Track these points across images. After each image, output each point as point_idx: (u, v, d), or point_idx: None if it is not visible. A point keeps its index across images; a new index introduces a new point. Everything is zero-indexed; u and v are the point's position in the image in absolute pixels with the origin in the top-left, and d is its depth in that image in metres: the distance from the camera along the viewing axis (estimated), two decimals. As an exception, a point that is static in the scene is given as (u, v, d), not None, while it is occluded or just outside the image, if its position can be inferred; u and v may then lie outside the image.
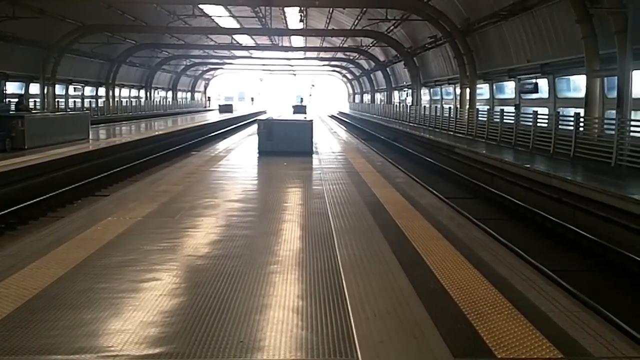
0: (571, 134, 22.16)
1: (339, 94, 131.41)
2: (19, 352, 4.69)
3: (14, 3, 34.04)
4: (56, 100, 45.78)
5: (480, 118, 32.96)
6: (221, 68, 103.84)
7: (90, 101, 54.94)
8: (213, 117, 63.00)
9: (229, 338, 5.01)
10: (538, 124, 25.20)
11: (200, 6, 48.23)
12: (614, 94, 20.94)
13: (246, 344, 4.90)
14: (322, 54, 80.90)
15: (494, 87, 36.21)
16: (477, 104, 36.69)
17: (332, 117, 76.73)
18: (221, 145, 25.44)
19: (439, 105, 45.56)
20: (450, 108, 40.10)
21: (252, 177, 16.13)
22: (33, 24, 36.73)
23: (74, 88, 52.14)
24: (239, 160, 19.56)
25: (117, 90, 60.78)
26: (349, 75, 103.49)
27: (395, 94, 66.36)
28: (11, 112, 25.33)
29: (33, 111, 32.37)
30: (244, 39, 72.93)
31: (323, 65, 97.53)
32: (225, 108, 78.66)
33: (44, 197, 16.53)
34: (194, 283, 6.47)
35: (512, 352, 4.81)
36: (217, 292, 6.16)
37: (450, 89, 45.26)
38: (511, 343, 4.96)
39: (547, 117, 25.56)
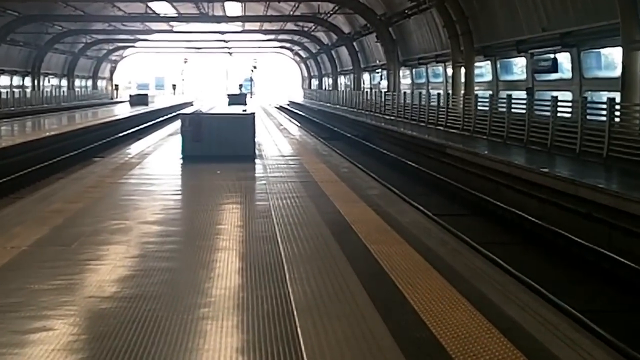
0: (604, 127, 21.76)
1: (289, 79, 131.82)
2: None
3: None
4: None
5: (479, 107, 33.16)
6: (132, 46, 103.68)
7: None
8: (122, 111, 62.80)
9: (145, 408, 4.97)
10: (558, 114, 25.29)
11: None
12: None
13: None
14: (267, 26, 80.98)
15: (498, 65, 36.46)
16: (476, 88, 36.95)
17: (282, 108, 76.90)
18: (133, 149, 25.31)
19: (424, 91, 45.78)
20: (439, 94, 40.28)
21: (175, 191, 16.14)
22: None
23: None
24: (157, 168, 19.51)
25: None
26: (302, 53, 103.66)
27: (365, 76, 66.69)
28: None
29: None
30: (162, 8, 72.74)
31: (268, 40, 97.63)
32: (139, 99, 78.55)
33: None
34: (97, 334, 6.41)
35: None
36: (128, 345, 6.10)
37: (439, 68, 45.60)
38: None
39: (570, 104, 25.68)
